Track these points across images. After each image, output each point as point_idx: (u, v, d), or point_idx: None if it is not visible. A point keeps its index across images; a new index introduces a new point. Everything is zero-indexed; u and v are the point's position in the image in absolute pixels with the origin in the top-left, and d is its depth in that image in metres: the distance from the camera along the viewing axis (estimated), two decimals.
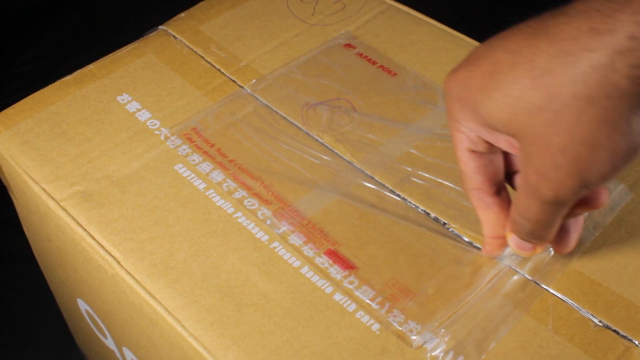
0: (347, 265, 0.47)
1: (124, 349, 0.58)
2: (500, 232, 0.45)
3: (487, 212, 0.44)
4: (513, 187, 0.45)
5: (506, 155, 0.43)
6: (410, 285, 0.46)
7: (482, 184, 0.43)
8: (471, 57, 0.39)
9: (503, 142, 0.40)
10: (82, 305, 0.62)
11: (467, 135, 0.41)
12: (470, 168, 0.42)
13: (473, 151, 0.42)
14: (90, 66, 0.60)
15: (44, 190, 0.52)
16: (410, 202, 0.50)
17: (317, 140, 0.54)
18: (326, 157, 0.53)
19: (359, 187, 0.51)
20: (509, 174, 0.44)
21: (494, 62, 0.37)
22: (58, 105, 0.57)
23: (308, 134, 0.55)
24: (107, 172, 0.53)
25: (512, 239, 0.44)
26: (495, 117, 0.37)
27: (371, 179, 0.52)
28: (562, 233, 0.44)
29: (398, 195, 0.51)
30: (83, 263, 0.52)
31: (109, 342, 0.62)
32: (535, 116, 0.35)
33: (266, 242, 0.48)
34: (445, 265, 0.47)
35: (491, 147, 0.41)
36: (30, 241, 0.66)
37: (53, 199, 0.51)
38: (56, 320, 0.86)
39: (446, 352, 0.43)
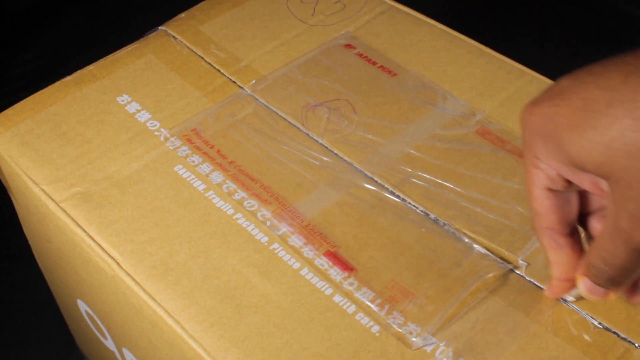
0: (346, 266, 0.47)
1: (124, 350, 0.58)
2: (571, 274, 0.43)
3: (558, 253, 0.42)
4: (585, 228, 0.43)
5: (581, 195, 0.41)
6: (410, 287, 0.46)
7: (556, 224, 0.41)
8: (555, 91, 0.37)
9: (586, 183, 0.38)
10: (82, 306, 0.62)
11: (546, 173, 0.39)
12: (545, 207, 0.41)
13: (550, 190, 0.40)
14: (90, 67, 0.60)
15: (44, 191, 0.52)
16: (410, 203, 0.50)
17: (317, 141, 0.54)
18: (326, 159, 0.53)
19: (358, 188, 0.51)
20: (582, 215, 0.42)
21: (587, 98, 0.35)
22: (58, 106, 0.57)
23: (308, 135, 0.55)
24: (107, 174, 0.53)
25: (585, 283, 0.41)
26: (586, 157, 0.35)
27: (371, 180, 0.52)
28: (637, 280, 0.42)
29: (398, 197, 0.51)
30: (83, 264, 0.52)
31: (109, 343, 0.62)
32: (636, 159, 0.33)
33: (266, 244, 0.48)
34: (445, 267, 0.47)
35: (569, 186, 0.40)
36: (30, 242, 0.66)
37: (53, 200, 0.51)
38: (56, 320, 0.86)
39: (446, 354, 0.43)
